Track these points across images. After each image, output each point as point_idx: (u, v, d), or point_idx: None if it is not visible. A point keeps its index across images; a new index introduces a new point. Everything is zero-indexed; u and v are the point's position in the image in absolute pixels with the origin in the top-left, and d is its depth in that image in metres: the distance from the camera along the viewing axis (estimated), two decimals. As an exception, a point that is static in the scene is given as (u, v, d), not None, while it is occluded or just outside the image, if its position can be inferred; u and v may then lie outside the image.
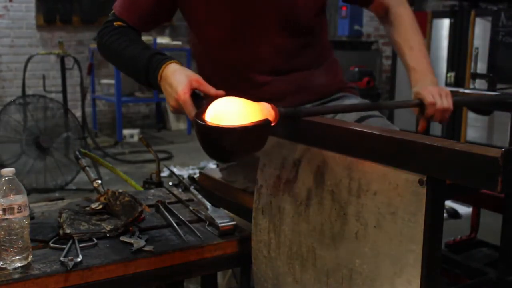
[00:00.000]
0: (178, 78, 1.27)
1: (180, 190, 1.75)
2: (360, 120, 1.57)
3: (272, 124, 1.13)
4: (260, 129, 1.11)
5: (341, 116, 1.56)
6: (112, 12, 1.53)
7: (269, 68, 1.57)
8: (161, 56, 1.35)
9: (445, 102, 1.50)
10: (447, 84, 5.07)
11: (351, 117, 1.56)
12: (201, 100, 1.26)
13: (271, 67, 1.57)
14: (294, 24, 1.54)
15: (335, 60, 1.75)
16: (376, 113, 1.62)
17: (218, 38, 1.53)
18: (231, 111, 1.10)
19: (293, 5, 1.50)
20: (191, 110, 1.23)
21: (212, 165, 3.20)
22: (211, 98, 1.20)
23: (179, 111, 1.28)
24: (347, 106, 1.53)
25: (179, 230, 1.39)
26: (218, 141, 1.09)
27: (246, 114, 1.10)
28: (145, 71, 1.36)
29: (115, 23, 1.49)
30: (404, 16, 1.64)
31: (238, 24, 1.51)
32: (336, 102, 1.66)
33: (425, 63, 1.59)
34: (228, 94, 1.24)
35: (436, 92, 1.50)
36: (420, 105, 1.51)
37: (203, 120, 1.09)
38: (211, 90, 1.25)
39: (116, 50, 1.46)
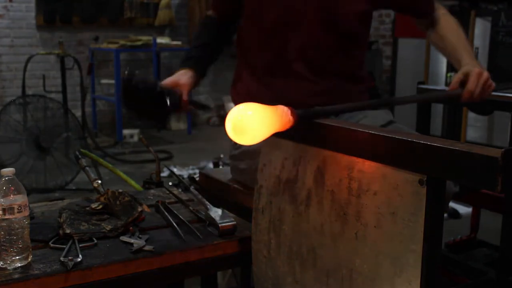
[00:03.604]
0: (171, 77, 1.64)
1: (180, 190, 1.74)
2: (385, 125, 1.62)
3: (290, 126, 1.16)
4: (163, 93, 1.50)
5: (367, 121, 1.60)
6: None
7: (308, 63, 1.64)
8: (188, 62, 1.71)
9: (489, 81, 1.56)
10: (447, 84, 5.07)
11: (378, 122, 1.60)
12: (176, 95, 1.57)
13: (311, 62, 1.64)
14: (333, 21, 1.61)
15: (369, 85, 1.84)
16: (394, 119, 1.68)
17: (265, 29, 1.68)
18: (248, 114, 1.11)
19: (335, 6, 1.61)
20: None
21: (211, 165, 3.20)
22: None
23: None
24: (367, 103, 1.60)
25: (179, 230, 1.39)
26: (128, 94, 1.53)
27: (263, 116, 1.11)
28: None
29: (207, 12, 1.86)
30: (451, 20, 1.76)
31: (281, 17, 1.62)
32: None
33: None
34: (271, 84, 1.66)
35: (482, 72, 1.55)
36: (462, 82, 1.56)
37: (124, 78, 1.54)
38: (183, 91, 1.59)
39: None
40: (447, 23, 1.75)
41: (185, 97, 1.57)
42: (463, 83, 1.55)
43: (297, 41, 1.63)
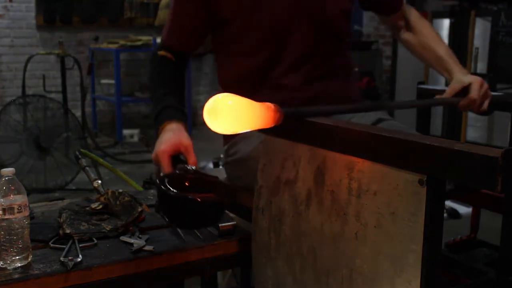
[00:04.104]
0: (166, 138, 1.41)
1: (180, 190, 1.74)
2: (375, 123, 1.60)
3: (275, 125, 1.15)
4: (212, 206, 1.25)
5: (356, 120, 1.58)
6: (162, 39, 1.66)
7: (300, 72, 1.60)
8: (169, 113, 1.49)
9: (488, 91, 1.60)
10: (447, 84, 5.07)
11: (368, 119, 1.59)
12: (182, 163, 1.37)
13: (303, 71, 1.60)
14: (325, 21, 1.59)
15: (355, 74, 1.81)
16: (387, 115, 1.66)
17: (254, 42, 1.59)
18: (230, 107, 1.10)
19: (324, 6, 1.58)
20: (164, 169, 1.36)
21: (211, 165, 3.20)
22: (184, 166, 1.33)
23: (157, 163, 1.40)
24: (353, 107, 1.55)
25: (179, 230, 1.39)
26: (172, 208, 1.25)
27: (244, 113, 1.10)
28: (154, 119, 1.52)
29: (159, 53, 1.63)
30: (428, 26, 1.77)
31: (273, 27, 1.56)
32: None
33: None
34: (263, 93, 1.43)
35: (484, 82, 1.59)
36: (463, 92, 1.59)
37: (164, 185, 1.22)
38: (191, 159, 1.38)
39: (151, 86, 1.63)
40: (424, 29, 1.75)
41: (195, 163, 1.36)
42: (463, 91, 1.59)
43: (291, 49, 1.58)
